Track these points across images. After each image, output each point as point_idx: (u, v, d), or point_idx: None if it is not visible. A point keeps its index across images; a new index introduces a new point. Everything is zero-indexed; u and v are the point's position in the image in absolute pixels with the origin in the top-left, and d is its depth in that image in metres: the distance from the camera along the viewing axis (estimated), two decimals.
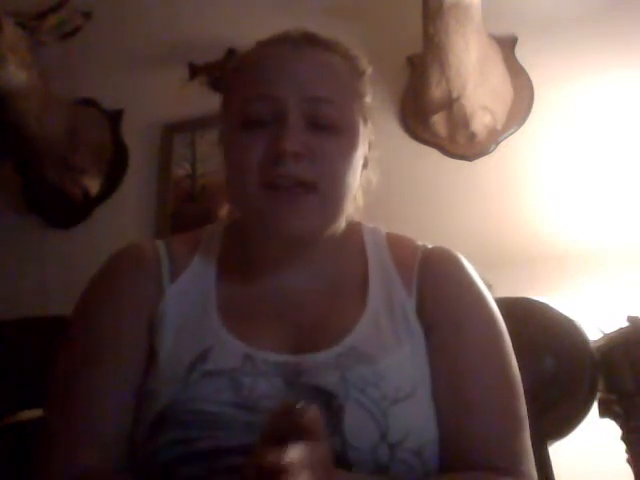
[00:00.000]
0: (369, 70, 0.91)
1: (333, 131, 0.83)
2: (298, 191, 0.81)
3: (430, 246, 0.92)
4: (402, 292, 0.86)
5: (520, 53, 1.89)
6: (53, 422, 0.82)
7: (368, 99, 0.90)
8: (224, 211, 0.86)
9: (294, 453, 0.57)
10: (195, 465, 0.73)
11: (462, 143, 1.86)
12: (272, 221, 0.82)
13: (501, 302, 0.94)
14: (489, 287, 0.93)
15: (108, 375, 0.81)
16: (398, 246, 0.92)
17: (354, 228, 0.93)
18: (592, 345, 1.23)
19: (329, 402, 0.75)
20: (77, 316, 0.89)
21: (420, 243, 0.93)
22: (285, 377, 0.78)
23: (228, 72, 0.92)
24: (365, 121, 0.89)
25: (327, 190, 0.82)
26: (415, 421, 0.78)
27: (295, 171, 0.80)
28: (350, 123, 0.86)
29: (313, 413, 0.60)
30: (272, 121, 0.82)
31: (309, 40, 0.87)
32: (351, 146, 0.85)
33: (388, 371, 0.79)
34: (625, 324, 1.25)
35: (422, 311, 0.85)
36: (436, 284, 0.87)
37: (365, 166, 0.92)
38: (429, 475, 0.77)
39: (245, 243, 0.90)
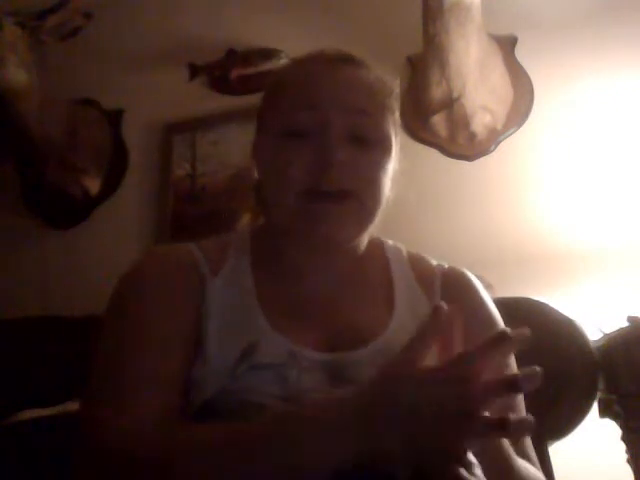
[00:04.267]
0: (397, 89, 0.95)
1: (372, 143, 0.87)
2: (340, 198, 0.84)
3: (446, 265, 0.96)
4: (425, 304, 0.90)
5: (520, 53, 1.89)
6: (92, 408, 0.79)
7: (397, 116, 0.94)
8: (246, 218, 0.87)
9: None
10: None
11: (462, 143, 1.86)
12: (314, 224, 0.85)
13: (501, 302, 0.94)
14: (489, 287, 0.93)
15: (154, 361, 0.80)
16: (418, 263, 0.96)
17: (376, 243, 0.98)
18: (592, 345, 1.23)
19: None
20: (117, 310, 0.87)
21: (435, 262, 0.97)
22: (328, 372, 0.81)
23: (267, 87, 0.96)
24: (396, 135, 0.93)
25: (366, 199, 0.86)
26: None
27: (339, 179, 0.84)
28: (386, 136, 0.90)
29: None
30: (315, 132, 0.85)
31: (343, 58, 0.91)
32: (387, 158, 0.89)
33: None
34: (625, 324, 1.25)
35: None
36: (457, 300, 0.88)
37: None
38: None
39: (276, 249, 0.92)
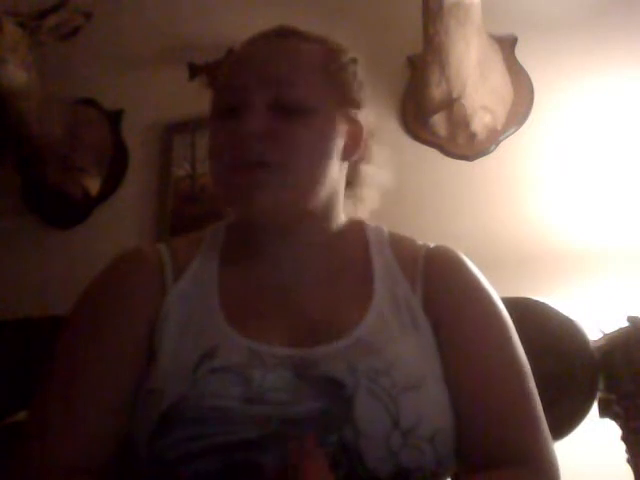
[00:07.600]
0: (354, 58, 0.92)
1: (297, 112, 0.85)
2: (257, 167, 0.83)
3: (432, 245, 0.93)
4: (406, 288, 0.87)
5: (520, 53, 1.89)
6: (36, 420, 0.82)
7: (344, 79, 0.90)
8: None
9: None
10: (208, 461, 0.74)
11: (462, 143, 1.86)
12: (236, 199, 0.85)
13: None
14: None
15: (100, 375, 0.81)
16: (400, 245, 0.93)
17: (356, 224, 0.95)
18: (592, 345, 1.23)
19: (339, 392, 0.76)
20: (75, 315, 0.89)
21: (421, 242, 0.94)
22: (294, 369, 0.79)
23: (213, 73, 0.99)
24: (341, 104, 0.89)
25: (289, 166, 0.84)
26: (426, 408, 0.78)
27: (257, 151, 0.83)
28: (316, 103, 0.87)
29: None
30: (239, 108, 0.86)
31: (281, 32, 0.93)
32: (318, 126, 0.86)
33: (397, 359, 0.80)
34: (625, 324, 1.25)
35: (429, 306, 0.86)
36: (442, 281, 0.88)
37: (363, 158, 0.93)
38: (440, 462, 0.77)
39: (246, 238, 0.91)
